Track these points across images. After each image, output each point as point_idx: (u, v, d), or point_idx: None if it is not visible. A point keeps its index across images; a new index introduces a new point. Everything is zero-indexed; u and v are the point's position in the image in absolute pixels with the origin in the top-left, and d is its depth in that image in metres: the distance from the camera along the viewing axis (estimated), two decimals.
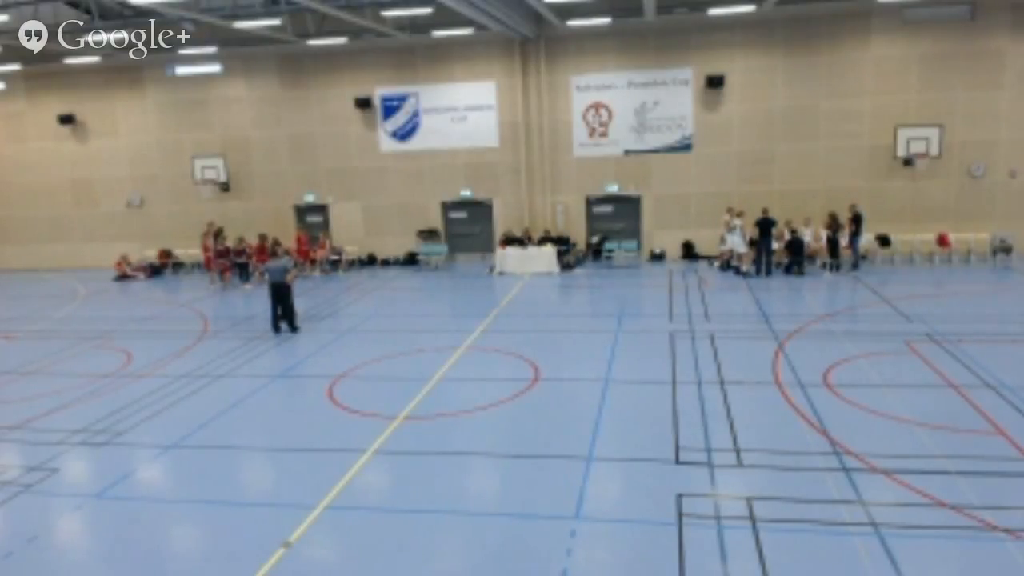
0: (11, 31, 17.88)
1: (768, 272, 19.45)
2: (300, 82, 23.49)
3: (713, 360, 12.20)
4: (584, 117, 22.23)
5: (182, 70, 24.04)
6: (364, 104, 22.94)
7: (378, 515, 7.60)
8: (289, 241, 22.70)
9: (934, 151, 19.79)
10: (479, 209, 23.63)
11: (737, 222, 19.84)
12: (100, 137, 25.05)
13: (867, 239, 20.11)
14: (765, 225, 19.23)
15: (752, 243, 19.87)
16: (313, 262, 23.04)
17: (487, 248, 23.56)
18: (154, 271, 24.29)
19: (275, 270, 15.43)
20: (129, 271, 23.79)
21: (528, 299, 18.26)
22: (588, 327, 15.61)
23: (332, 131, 23.63)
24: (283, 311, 15.50)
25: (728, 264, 20.41)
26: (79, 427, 10.47)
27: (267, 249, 21.35)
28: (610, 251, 22.55)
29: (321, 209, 24.41)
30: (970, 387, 10.34)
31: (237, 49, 22.77)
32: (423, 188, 23.60)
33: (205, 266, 22.63)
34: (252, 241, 22.18)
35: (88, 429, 10.40)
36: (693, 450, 8.71)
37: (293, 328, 15.60)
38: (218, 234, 21.91)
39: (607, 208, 23.00)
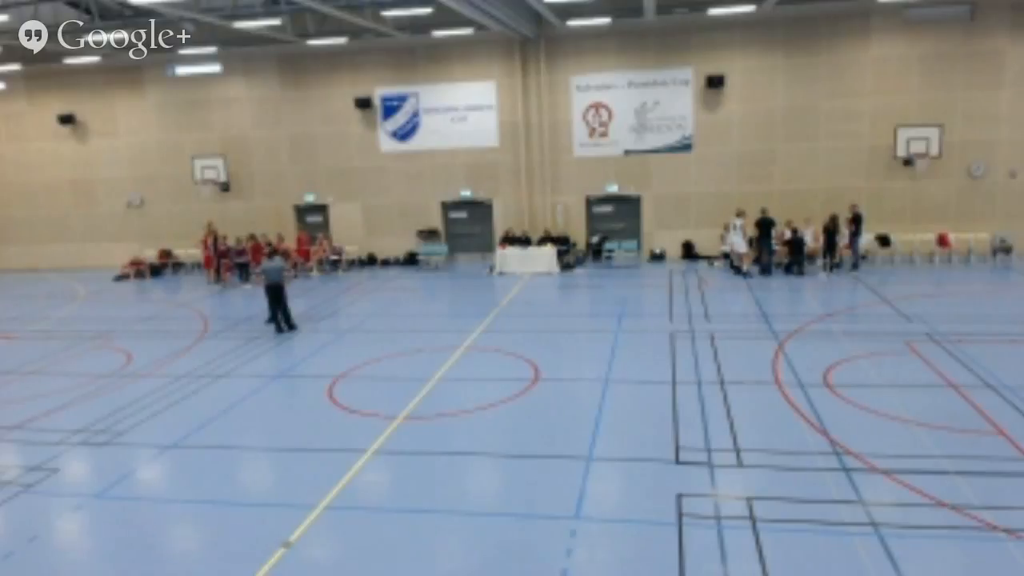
0: (11, 31, 17.88)
1: (768, 272, 19.46)
2: (300, 82, 23.48)
3: (713, 360, 12.19)
4: (584, 117, 22.23)
5: (182, 70, 24.04)
6: (364, 104, 22.93)
7: (378, 515, 7.60)
8: (290, 241, 22.67)
9: (934, 151, 19.78)
10: (479, 209, 23.62)
11: (737, 222, 19.84)
12: (100, 137, 25.05)
13: (867, 239, 20.10)
14: (765, 225, 19.23)
15: (752, 243, 19.87)
16: (307, 260, 23.00)
17: (487, 248, 23.55)
18: (152, 271, 24.24)
19: (272, 270, 15.45)
20: (132, 274, 23.72)
21: (528, 299, 18.25)
22: (588, 327, 15.61)
23: (332, 131, 23.62)
24: (280, 311, 15.52)
25: (730, 263, 20.38)
26: (79, 427, 10.47)
27: (262, 249, 21.30)
28: (610, 251, 22.54)
29: (321, 209, 24.40)
30: (970, 387, 10.33)
31: (237, 49, 22.76)
32: (423, 188, 23.59)
33: (205, 266, 22.63)
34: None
35: (88, 429, 10.40)
36: (693, 450, 8.71)
37: (291, 326, 15.62)
38: (215, 238, 21.87)
39: (607, 208, 23.00)
